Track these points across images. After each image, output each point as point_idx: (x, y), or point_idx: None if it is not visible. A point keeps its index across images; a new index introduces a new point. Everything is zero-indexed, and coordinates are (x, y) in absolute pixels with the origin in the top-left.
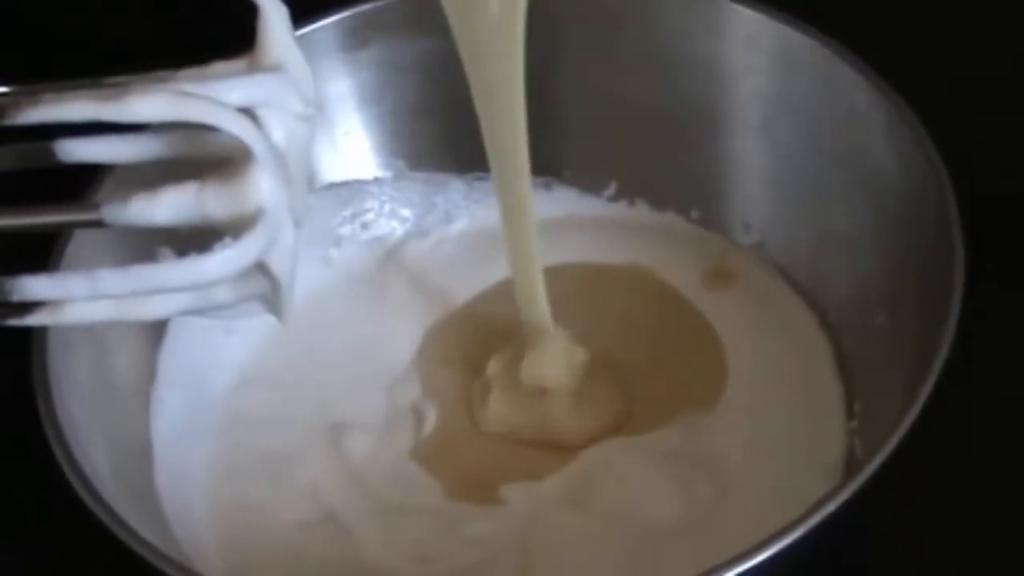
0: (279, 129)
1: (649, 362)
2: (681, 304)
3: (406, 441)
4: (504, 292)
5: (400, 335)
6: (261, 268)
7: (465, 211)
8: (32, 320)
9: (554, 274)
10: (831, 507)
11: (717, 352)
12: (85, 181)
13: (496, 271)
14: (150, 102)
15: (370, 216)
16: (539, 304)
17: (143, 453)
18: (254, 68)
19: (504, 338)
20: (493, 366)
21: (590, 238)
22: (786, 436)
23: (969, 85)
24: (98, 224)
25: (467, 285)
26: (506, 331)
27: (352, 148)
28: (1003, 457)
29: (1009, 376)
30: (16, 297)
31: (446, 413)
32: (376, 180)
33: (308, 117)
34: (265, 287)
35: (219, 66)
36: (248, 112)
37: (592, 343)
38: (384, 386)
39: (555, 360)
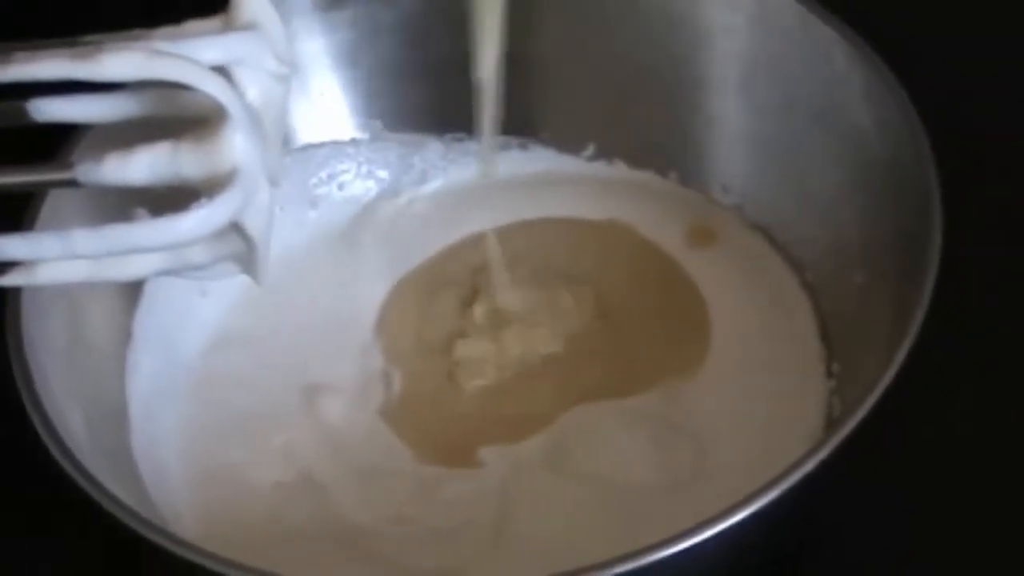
0: (254, 88)
1: (632, 321)
2: (664, 261)
3: (380, 402)
4: (470, 248)
5: (372, 294)
6: (236, 228)
7: (442, 172)
8: (5, 281)
9: (532, 228)
10: (807, 467)
11: (700, 313)
12: (60, 141)
13: (465, 229)
14: (124, 61)
15: (347, 177)
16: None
17: (118, 415)
18: (229, 27)
19: (465, 293)
20: (464, 349)
21: (569, 193)
22: (767, 398)
23: (946, 43)
24: (72, 184)
25: (438, 243)
26: (469, 286)
27: (328, 109)
28: (982, 415)
29: (987, 334)
30: None
31: (415, 375)
32: (353, 141)
33: (283, 76)
34: (240, 247)
35: (194, 24)
36: (223, 71)
37: (575, 299)
38: (357, 346)
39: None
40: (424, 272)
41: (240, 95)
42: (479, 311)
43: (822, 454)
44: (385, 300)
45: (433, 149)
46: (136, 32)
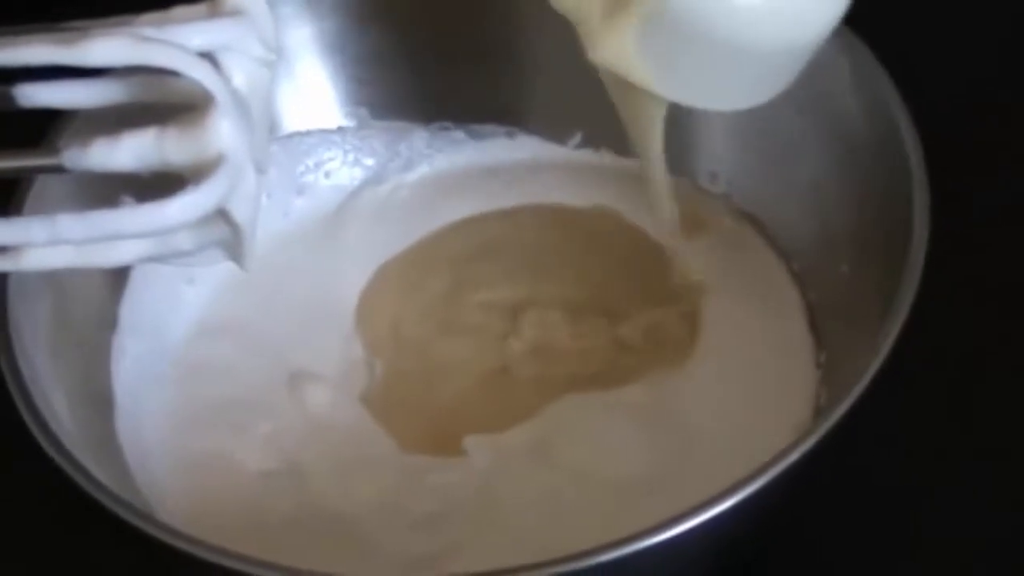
0: (240, 74)
1: (619, 310)
2: (651, 249)
3: (364, 391)
4: (454, 235)
5: (356, 282)
6: (222, 214)
7: (427, 159)
8: None
9: (518, 215)
10: (792, 458)
11: (688, 303)
12: (46, 126)
13: (451, 216)
14: (110, 46)
15: (333, 165)
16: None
17: (104, 402)
18: (215, 13)
19: (447, 281)
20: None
21: (556, 181)
22: (755, 389)
23: (932, 31)
24: (58, 169)
25: (422, 230)
26: (452, 274)
27: (315, 97)
28: (971, 404)
29: (975, 324)
30: None
31: (397, 364)
32: (339, 129)
33: (269, 62)
34: (226, 234)
35: (180, 10)
36: (209, 57)
37: (564, 287)
38: (341, 334)
39: None
40: (406, 259)
41: (227, 81)
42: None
43: (806, 445)
44: (365, 287)
45: (419, 137)
46: (122, 17)
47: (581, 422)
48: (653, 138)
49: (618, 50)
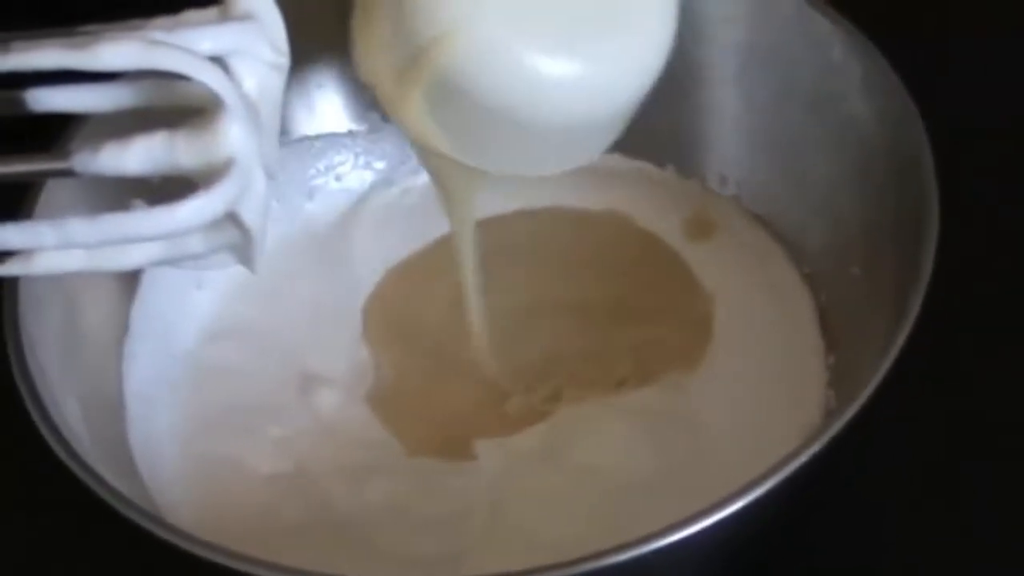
0: (250, 78)
1: (632, 312)
2: (663, 252)
3: (374, 394)
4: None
5: (364, 285)
6: (232, 218)
7: None
8: (1, 270)
9: (528, 218)
10: (800, 460)
11: (700, 305)
12: (57, 131)
13: None
14: (121, 50)
15: (344, 168)
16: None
17: (115, 407)
18: (226, 17)
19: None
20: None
21: (565, 184)
22: (766, 392)
23: (942, 32)
24: (69, 173)
25: (431, 234)
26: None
27: (325, 101)
28: (982, 407)
29: (985, 325)
30: None
31: (407, 367)
32: (350, 133)
33: (279, 66)
34: (236, 237)
35: (191, 15)
36: (219, 61)
37: (574, 290)
38: (350, 338)
39: None
40: (415, 263)
41: (237, 85)
42: None
43: (816, 447)
44: (374, 291)
45: None
46: (133, 22)
47: (592, 425)
48: (465, 210)
49: (413, 115)
